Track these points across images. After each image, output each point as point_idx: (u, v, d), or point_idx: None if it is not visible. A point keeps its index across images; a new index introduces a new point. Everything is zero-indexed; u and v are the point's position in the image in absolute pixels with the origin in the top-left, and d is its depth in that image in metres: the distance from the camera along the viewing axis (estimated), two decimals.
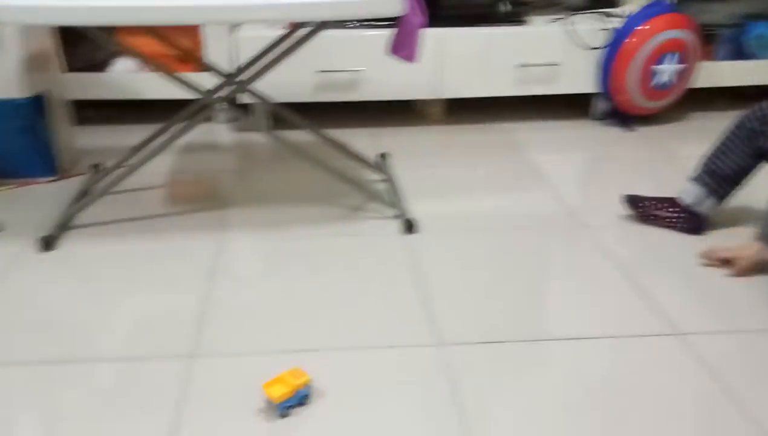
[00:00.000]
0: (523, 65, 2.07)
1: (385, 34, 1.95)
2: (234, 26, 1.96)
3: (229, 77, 1.53)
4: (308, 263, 1.37)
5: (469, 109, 2.24)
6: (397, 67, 1.99)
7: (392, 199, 1.60)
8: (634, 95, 2.08)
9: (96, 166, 1.75)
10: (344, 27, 2.00)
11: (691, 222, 1.47)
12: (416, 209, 1.56)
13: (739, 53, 2.31)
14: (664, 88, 2.09)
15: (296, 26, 1.47)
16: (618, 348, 1.12)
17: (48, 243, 1.39)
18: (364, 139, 2.01)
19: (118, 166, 1.62)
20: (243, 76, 1.50)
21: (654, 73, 2.06)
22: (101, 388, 1.02)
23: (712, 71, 2.23)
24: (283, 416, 0.97)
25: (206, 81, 1.61)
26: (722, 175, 1.41)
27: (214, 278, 1.30)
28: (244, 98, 1.90)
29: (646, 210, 1.51)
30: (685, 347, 1.12)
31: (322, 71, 2.00)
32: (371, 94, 2.06)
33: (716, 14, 2.28)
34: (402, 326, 1.18)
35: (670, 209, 1.48)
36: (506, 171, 1.83)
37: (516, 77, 2.09)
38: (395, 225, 1.52)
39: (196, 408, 0.99)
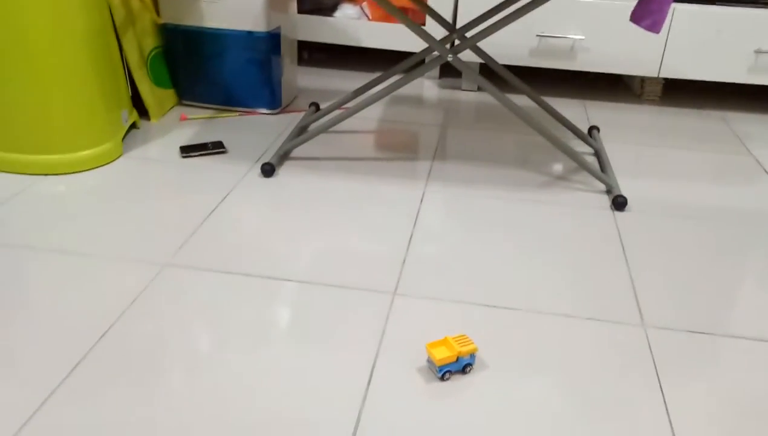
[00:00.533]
0: (761, 51, 1.89)
1: (612, 4, 1.87)
2: None
3: (455, 31, 1.54)
4: (508, 223, 1.37)
5: (688, 92, 2.09)
6: (619, 39, 1.90)
7: (602, 174, 1.55)
8: None
9: (315, 105, 1.86)
10: None
11: None
12: (625, 187, 1.50)
13: None
14: None
15: None
16: None
17: (269, 170, 1.51)
18: (573, 110, 1.95)
19: (336, 107, 1.71)
20: (470, 32, 1.51)
21: None
22: (300, 305, 1.11)
23: None
24: (444, 379, 0.96)
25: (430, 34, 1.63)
26: None
27: (415, 226, 1.35)
28: (461, 54, 1.91)
29: None
30: None
31: (541, 36, 1.96)
32: (588, 65, 1.99)
33: None
34: (601, 300, 1.15)
35: None
36: (723, 162, 1.70)
37: (749, 64, 1.92)
38: (602, 200, 1.47)
39: (391, 341, 1.03)
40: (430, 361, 0.98)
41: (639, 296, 1.17)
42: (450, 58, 1.44)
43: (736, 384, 0.98)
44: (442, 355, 0.96)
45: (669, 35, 1.92)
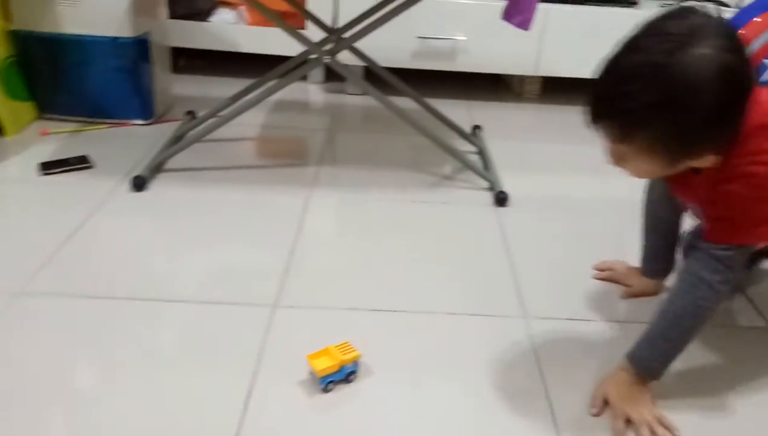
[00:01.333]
0: None
1: (489, 5, 1.90)
2: None
3: (333, 32, 1.51)
4: (394, 226, 1.35)
5: (567, 90, 2.16)
6: (497, 39, 1.93)
7: (484, 171, 1.56)
8: None
9: (191, 113, 1.77)
10: None
11: None
12: (507, 183, 1.52)
13: None
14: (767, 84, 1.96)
15: None
16: None
17: (139, 184, 1.41)
18: (457, 111, 1.96)
19: (212, 115, 1.63)
20: (347, 33, 1.48)
21: (763, 69, 1.93)
22: (177, 326, 1.03)
23: None
24: (326, 390, 0.91)
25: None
26: None
27: (299, 233, 1.30)
28: (342, 58, 1.88)
29: None
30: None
31: (422, 37, 1.96)
32: (469, 65, 2.01)
33: None
34: (485, 296, 1.15)
35: None
36: (600, 155, 1.76)
37: None
38: (486, 197, 1.48)
39: (271, 356, 0.98)
40: (312, 372, 0.93)
41: (521, 288, 1.17)
42: (327, 59, 1.40)
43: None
44: (324, 365, 0.91)
45: (544, 35, 1.97)
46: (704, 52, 0.73)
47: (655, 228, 1.13)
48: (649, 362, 0.91)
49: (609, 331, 1.08)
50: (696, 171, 0.85)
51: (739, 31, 1.92)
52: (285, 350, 0.98)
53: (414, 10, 1.84)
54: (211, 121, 1.54)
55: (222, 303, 1.08)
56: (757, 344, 1.09)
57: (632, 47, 0.78)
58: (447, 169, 1.60)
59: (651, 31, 0.77)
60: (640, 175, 0.90)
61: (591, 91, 0.82)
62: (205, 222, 1.32)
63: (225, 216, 1.34)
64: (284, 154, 1.66)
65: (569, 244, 1.33)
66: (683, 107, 0.74)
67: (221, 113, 1.57)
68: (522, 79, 2.14)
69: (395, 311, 1.09)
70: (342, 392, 0.92)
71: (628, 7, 2.00)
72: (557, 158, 1.73)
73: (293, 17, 1.95)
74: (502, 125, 1.92)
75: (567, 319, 1.10)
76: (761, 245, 1.02)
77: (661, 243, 1.13)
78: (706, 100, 0.74)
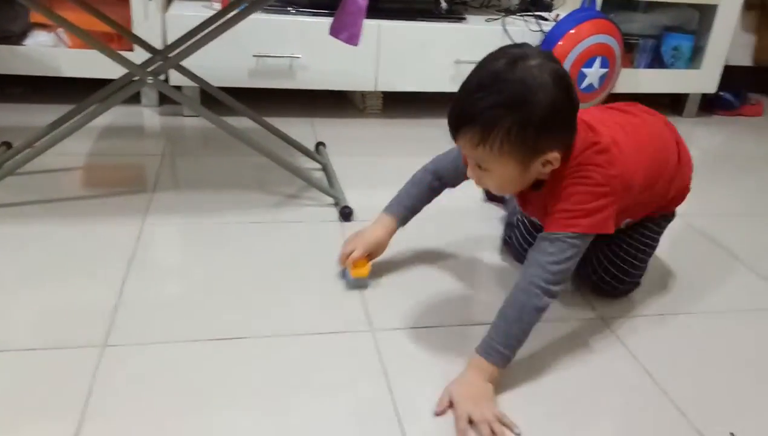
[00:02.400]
0: (461, 61, 2.07)
1: (324, 22, 1.91)
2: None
3: (158, 53, 1.44)
4: (237, 250, 1.30)
5: (407, 104, 2.22)
6: (335, 56, 1.94)
7: (329, 188, 1.55)
8: None
9: (6, 144, 1.61)
10: (284, 12, 1.95)
11: None
12: (352, 198, 1.52)
13: (657, 62, 2.41)
14: (590, 90, 2.13)
15: (231, 4, 1.40)
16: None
17: None
18: (300, 128, 1.95)
19: (30, 144, 1.49)
20: (172, 53, 1.42)
21: (582, 76, 2.10)
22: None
23: (632, 78, 2.32)
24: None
25: (133, 60, 1.51)
26: None
27: (133, 266, 1.21)
28: (175, 79, 1.80)
29: None
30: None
31: (258, 56, 1.93)
32: (308, 83, 2.01)
33: (637, 24, 2.37)
34: (336, 313, 1.13)
35: None
36: None
37: (454, 73, 2.09)
38: (332, 213, 1.47)
39: (102, 398, 0.90)
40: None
41: (367, 302, 1.17)
42: (150, 81, 1.33)
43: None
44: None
45: (380, 51, 2.02)
46: (537, 62, 0.92)
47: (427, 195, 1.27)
48: (496, 353, 0.97)
49: (453, 335, 1.11)
50: (537, 187, 1.04)
51: (558, 43, 2.09)
52: (113, 393, 0.91)
53: (248, 28, 1.82)
54: (27, 151, 1.41)
55: (45, 349, 0.98)
56: (590, 334, 1.16)
57: (479, 68, 0.95)
58: (292, 188, 1.57)
59: (492, 55, 0.95)
60: (501, 185, 1.03)
61: (451, 109, 0.97)
62: (25, 261, 1.20)
63: (48, 253, 1.23)
64: (115, 183, 1.56)
65: (414, 252, 1.35)
66: (526, 104, 0.91)
67: (38, 142, 1.44)
68: (363, 94, 2.17)
69: (241, 338, 1.05)
70: (194, 424, 0.86)
71: (457, 22, 2.10)
72: (401, 171, 1.74)
73: (121, 39, 1.85)
74: (347, 141, 1.93)
75: (412, 327, 1.11)
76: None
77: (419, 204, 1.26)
78: (543, 97, 0.91)
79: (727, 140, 2.32)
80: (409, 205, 1.25)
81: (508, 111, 0.91)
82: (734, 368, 1.10)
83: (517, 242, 1.33)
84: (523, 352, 1.00)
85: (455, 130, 0.97)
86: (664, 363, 1.08)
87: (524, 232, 1.31)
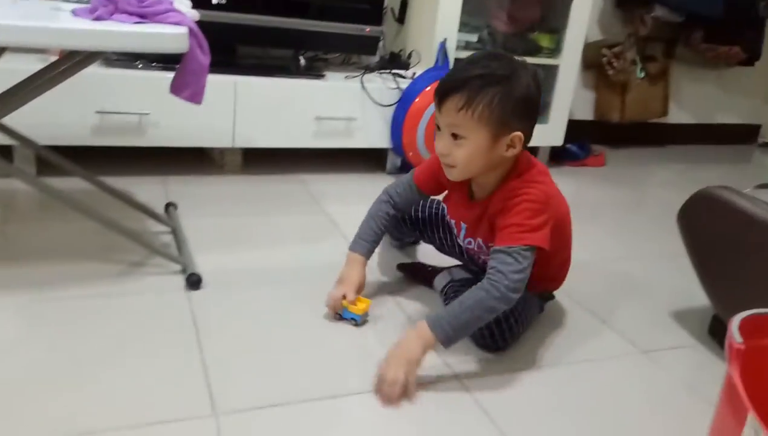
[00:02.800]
0: (321, 118, 2.06)
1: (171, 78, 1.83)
2: None
3: None
4: (74, 329, 1.18)
5: (268, 160, 2.17)
6: (189, 113, 1.84)
7: (176, 253, 1.46)
8: (422, 152, 2.16)
9: None
10: (131, 67, 1.85)
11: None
12: (204, 263, 1.44)
13: None
14: None
15: (67, 56, 1.30)
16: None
17: None
18: (153, 188, 1.84)
19: None
20: None
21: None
22: None
23: None
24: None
25: None
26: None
27: None
28: (2, 139, 1.64)
29: (418, 274, 1.49)
30: None
31: (102, 112, 1.81)
32: (159, 140, 1.91)
33: None
34: (177, 397, 1.04)
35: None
36: (300, 222, 1.79)
37: (313, 130, 2.08)
38: (179, 281, 1.38)
39: None
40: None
41: (211, 382, 1.09)
42: None
43: None
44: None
45: (237, 107, 1.96)
46: (520, 61, 1.14)
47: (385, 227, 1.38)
48: (441, 328, 1.09)
49: (302, 413, 1.05)
50: (471, 197, 1.24)
51: (415, 100, 2.14)
52: None
53: (91, 83, 1.72)
54: None
55: None
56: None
57: (470, 62, 1.14)
58: (137, 255, 1.46)
59: (477, 55, 1.17)
60: (468, 159, 1.13)
61: (440, 81, 1.13)
62: None
63: None
64: None
65: (263, 320, 1.29)
66: (510, 81, 1.09)
67: None
68: (222, 151, 2.10)
69: (67, 433, 0.93)
70: None
71: (316, 79, 2.09)
72: (259, 230, 1.71)
73: None
74: (203, 200, 1.84)
75: (258, 408, 1.04)
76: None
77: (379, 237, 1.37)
78: (524, 80, 1.10)
79: (576, 190, 2.46)
80: (371, 240, 1.35)
81: (494, 84, 1.08)
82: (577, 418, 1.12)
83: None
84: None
85: (442, 96, 1.11)
86: (517, 420, 1.08)
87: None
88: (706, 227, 1.35)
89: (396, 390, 1.05)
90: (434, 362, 1.19)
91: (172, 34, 1.18)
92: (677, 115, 3.21)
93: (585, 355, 1.31)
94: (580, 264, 1.45)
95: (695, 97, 3.24)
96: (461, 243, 1.34)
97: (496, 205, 1.17)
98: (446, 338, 1.09)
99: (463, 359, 1.23)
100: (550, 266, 1.29)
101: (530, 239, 1.11)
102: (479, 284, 1.11)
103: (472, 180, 1.24)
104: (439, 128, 1.15)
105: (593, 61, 2.80)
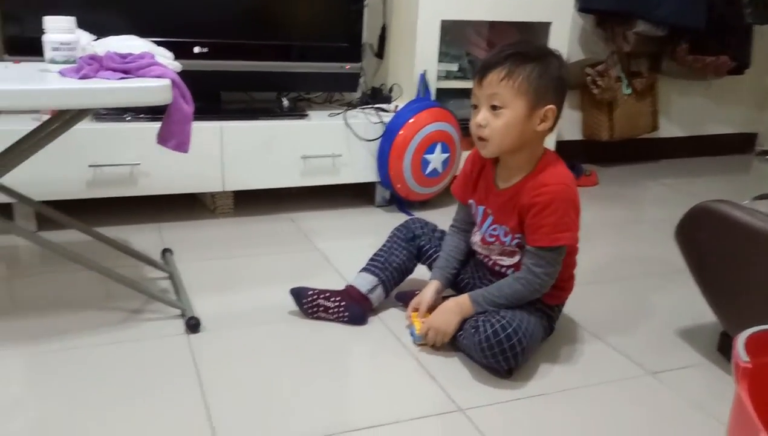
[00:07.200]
0: (307, 157, 2.12)
1: (157, 128, 1.89)
2: None
3: None
4: (79, 378, 1.22)
5: (259, 201, 2.22)
6: (178, 161, 1.89)
7: (175, 298, 1.50)
8: (410, 183, 2.21)
9: None
10: (119, 120, 1.91)
11: (356, 312, 1.45)
12: (202, 306, 1.47)
13: None
14: (435, 175, 2.24)
15: (59, 115, 1.36)
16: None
17: None
18: (148, 235, 1.89)
19: None
20: None
21: (425, 162, 2.21)
22: None
23: None
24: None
25: None
26: (392, 268, 1.49)
27: None
28: (3, 198, 1.69)
29: (313, 301, 1.46)
30: None
31: (95, 165, 1.86)
32: (151, 189, 1.96)
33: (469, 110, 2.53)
34: None
35: (333, 299, 1.45)
36: (294, 260, 1.82)
37: (301, 168, 2.13)
38: (178, 325, 1.41)
39: None
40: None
41: (216, 427, 1.11)
42: None
43: None
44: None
45: (224, 151, 2.02)
46: (550, 48, 1.31)
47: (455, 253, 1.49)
48: (478, 304, 1.30)
49: None
50: (497, 186, 1.36)
51: (399, 132, 2.19)
52: None
53: (83, 139, 1.78)
54: None
55: None
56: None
57: (508, 45, 1.28)
58: (136, 301, 1.50)
59: (513, 41, 1.33)
60: (504, 131, 1.25)
61: (481, 62, 1.28)
62: None
63: None
64: None
65: (262, 360, 1.31)
66: (545, 60, 1.25)
67: None
68: (213, 195, 2.15)
69: None
70: None
71: (300, 118, 2.15)
72: (254, 270, 1.74)
73: None
74: (198, 244, 1.89)
75: None
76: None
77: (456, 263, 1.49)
78: (557, 63, 1.27)
79: None
80: (441, 266, 1.47)
81: (531, 60, 1.23)
82: None
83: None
84: None
85: (485, 70, 1.25)
86: None
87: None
88: (706, 242, 1.31)
89: (438, 338, 1.32)
90: (439, 398, 1.22)
91: (155, 87, 1.23)
92: (668, 129, 3.21)
93: (592, 379, 1.30)
94: (582, 286, 1.44)
95: (686, 109, 3.23)
96: (483, 234, 1.39)
97: (526, 196, 1.27)
98: (479, 308, 1.30)
99: (467, 388, 1.25)
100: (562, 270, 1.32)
101: (564, 239, 1.26)
102: (517, 275, 1.29)
103: (500, 163, 1.36)
104: (475, 106, 1.29)
105: (577, 81, 2.80)
